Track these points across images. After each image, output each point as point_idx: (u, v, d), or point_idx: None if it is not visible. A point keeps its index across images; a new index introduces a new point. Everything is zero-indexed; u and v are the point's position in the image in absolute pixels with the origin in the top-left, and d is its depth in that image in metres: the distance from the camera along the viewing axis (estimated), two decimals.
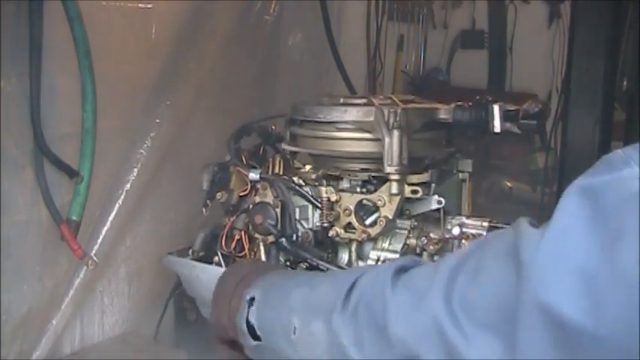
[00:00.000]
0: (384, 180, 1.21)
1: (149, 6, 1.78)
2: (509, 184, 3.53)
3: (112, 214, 1.80)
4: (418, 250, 1.24)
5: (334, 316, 0.81)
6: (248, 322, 0.93)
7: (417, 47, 3.91)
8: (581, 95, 2.09)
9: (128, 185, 1.81)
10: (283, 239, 1.27)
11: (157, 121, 1.85)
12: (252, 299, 0.95)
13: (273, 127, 1.50)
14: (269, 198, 1.30)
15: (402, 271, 0.77)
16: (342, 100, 1.29)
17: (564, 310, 0.55)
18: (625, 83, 2.65)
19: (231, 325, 0.98)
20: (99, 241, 1.77)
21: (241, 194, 1.36)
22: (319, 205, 1.26)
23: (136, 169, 1.82)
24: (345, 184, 1.30)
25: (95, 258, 1.68)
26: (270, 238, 1.30)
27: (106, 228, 1.79)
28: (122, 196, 1.81)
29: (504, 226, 1.21)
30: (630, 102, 2.52)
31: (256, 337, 0.93)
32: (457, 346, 0.64)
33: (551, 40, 3.70)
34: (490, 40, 3.85)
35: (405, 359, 0.72)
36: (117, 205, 1.80)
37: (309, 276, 1.02)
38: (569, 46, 2.14)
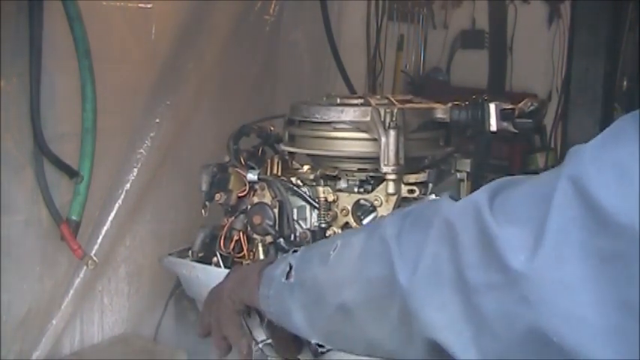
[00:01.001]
0: (382, 180, 1.21)
1: (149, 6, 1.78)
2: None
3: (112, 214, 1.80)
4: None
5: (385, 219, 0.85)
6: (288, 266, 0.96)
7: (417, 47, 3.91)
8: (581, 95, 2.10)
9: (128, 185, 1.82)
10: (281, 239, 1.27)
11: (157, 121, 1.86)
12: (295, 251, 0.99)
13: (272, 128, 1.50)
14: (267, 198, 1.31)
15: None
16: (339, 101, 1.30)
17: (601, 196, 0.57)
18: (625, 83, 2.66)
19: (256, 282, 1.00)
20: (99, 241, 1.77)
21: (240, 195, 1.37)
22: (317, 205, 1.27)
23: (136, 169, 1.83)
24: (342, 184, 1.30)
25: (95, 258, 1.68)
26: (269, 239, 1.30)
27: (106, 228, 1.79)
28: (122, 196, 1.81)
29: None
30: (630, 102, 2.52)
31: (288, 277, 0.95)
32: (488, 226, 0.67)
33: (551, 40, 3.69)
34: (490, 40, 3.85)
35: (441, 237, 0.73)
36: (117, 205, 1.81)
37: None
38: (569, 46, 2.14)
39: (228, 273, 1.19)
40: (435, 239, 0.74)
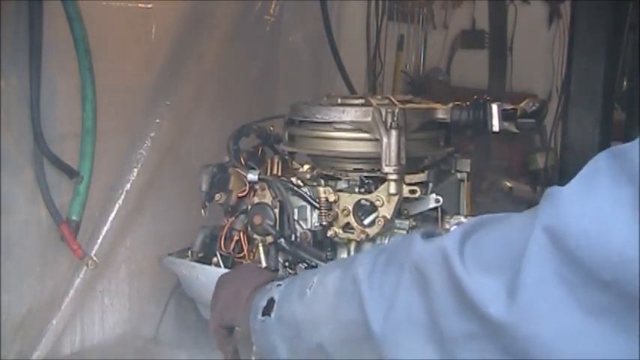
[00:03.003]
0: (383, 180, 1.21)
1: (149, 6, 1.78)
2: (509, 184, 3.53)
3: (112, 214, 1.80)
4: None
5: (359, 257, 0.85)
6: (271, 300, 0.97)
7: (417, 47, 3.91)
8: (581, 95, 2.10)
9: (128, 185, 1.81)
10: (282, 240, 1.27)
11: (157, 121, 1.85)
12: (279, 285, 0.99)
13: (272, 128, 1.50)
14: (267, 199, 1.30)
15: (431, 235, 0.79)
16: (340, 101, 1.29)
17: (580, 250, 0.55)
18: (625, 83, 2.65)
19: (244, 310, 1.02)
20: (99, 241, 1.77)
21: (240, 195, 1.37)
22: (317, 205, 1.26)
23: (136, 169, 1.82)
24: (343, 185, 1.30)
25: (95, 258, 1.68)
26: (269, 239, 1.30)
27: (106, 228, 1.79)
28: (122, 196, 1.81)
29: None
30: (630, 102, 2.52)
31: (266, 314, 0.96)
32: (459, 276, 0.65)
33: (551, 40, 3.70)
34: (490, 40, 3.86)
35: (412, 284, 0.72)
36: (117, 205, 1.80)
37: None
38: (569, 46, 2.14)
39: (232, 272, 1.20)
40: (406, 286, 0.73)
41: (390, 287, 0.75)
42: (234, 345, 1.12)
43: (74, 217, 1.57)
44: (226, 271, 1.32)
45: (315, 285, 0.89)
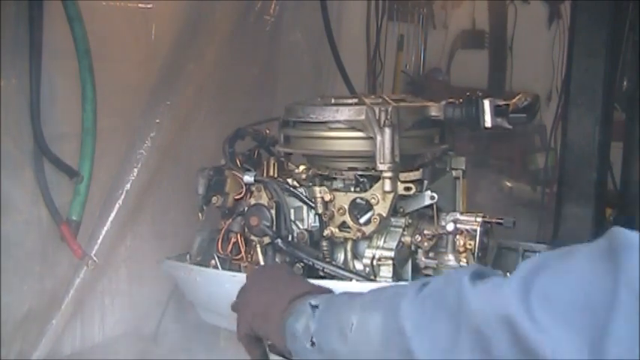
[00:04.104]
0: (377, 178, 1.21)
1: (149, 6, 1.79)
2: (509, 184, 3.53)
3: (112, 214, 1.80)
4: (413, 248, 1.25)
5: (402, 304, 0.81)
6: (307, 327, 0.96)
7: (417, 47, 3.91)
8: (581, 95, 2.09)
9: (128, 185, 1.82)
10: (279, 240, 1.27)
11: (157, 121, 1.86)
12: (316, 307, 0.98)
13: (267, 131, 1.51)
14: (264, 200, 1.31)
15: (478, 275, 0.76)
16: (333, 100, 1.30)
17: None
18: (625, 83, 2.65)
19: (277, 326, 1.01)
20: (99, 241, 1.78)
21: (236, 197, 1.37)
22: (313, 205, 1.27)
23: (136, 169, 1.83)
24: (338, 184, 1.30)
25: (95, 258, 1.69)
26: (266, 240, 1.30)
27: (106, 228, 1.79)
28: (122, 196, 1.81)
29: (498, 221, 1.22)
30: (630, 102, 2.52)
31: (310, 342, 0.95)
32: (529, 337, 0.63)
33: (551, 40, 3.70)
34: (490, 40, 3.86)
35: (473, 349, 0.70)
36: (117, 205, 1.81)
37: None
38: (569, 46, 2.14)
39: (264, 277, 1.18)
40: (468, 349, 0.71)
41: (445, 344, 0.73)
42: (262, 348, 1.11)
43: (74, 217, 1.58)
44: (225, 272, 1.32)
45: (355, 328, 0.88)
